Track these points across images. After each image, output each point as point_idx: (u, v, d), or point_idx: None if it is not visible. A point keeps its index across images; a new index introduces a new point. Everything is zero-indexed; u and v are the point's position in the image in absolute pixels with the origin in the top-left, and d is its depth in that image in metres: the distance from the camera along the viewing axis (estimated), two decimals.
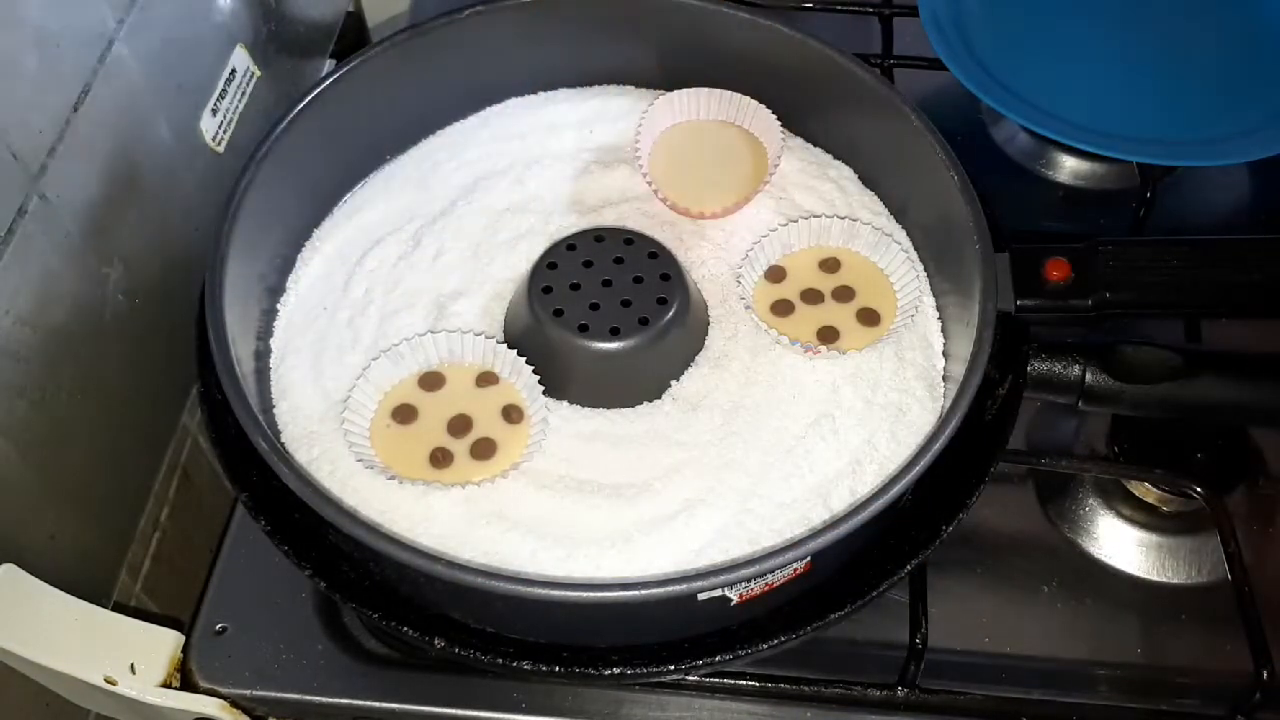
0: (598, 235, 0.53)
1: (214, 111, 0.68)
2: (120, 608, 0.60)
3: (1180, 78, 0.72)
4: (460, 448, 0.48)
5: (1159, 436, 0.60)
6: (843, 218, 0.55)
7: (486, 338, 0.50)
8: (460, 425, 0.48)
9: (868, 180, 0.59)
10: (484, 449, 0.48)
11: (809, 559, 0.44)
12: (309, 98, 0.54)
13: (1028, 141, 0.77)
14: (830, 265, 0.54)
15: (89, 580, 0.58)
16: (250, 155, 0.52)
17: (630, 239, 0.53)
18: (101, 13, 0.57)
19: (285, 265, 0.56)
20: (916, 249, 0.56)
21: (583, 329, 0.50)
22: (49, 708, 0.55)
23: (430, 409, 0.49)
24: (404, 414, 0.49)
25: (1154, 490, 0.60)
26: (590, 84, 0.63)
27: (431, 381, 0.50)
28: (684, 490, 0.48)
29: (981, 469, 0.49)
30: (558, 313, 0.50)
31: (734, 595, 0.44)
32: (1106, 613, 0.58)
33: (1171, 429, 0.60)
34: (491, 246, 0.56)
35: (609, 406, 0.50)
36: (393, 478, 0.45)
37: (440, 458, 0.47)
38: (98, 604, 0.53)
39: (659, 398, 0.51)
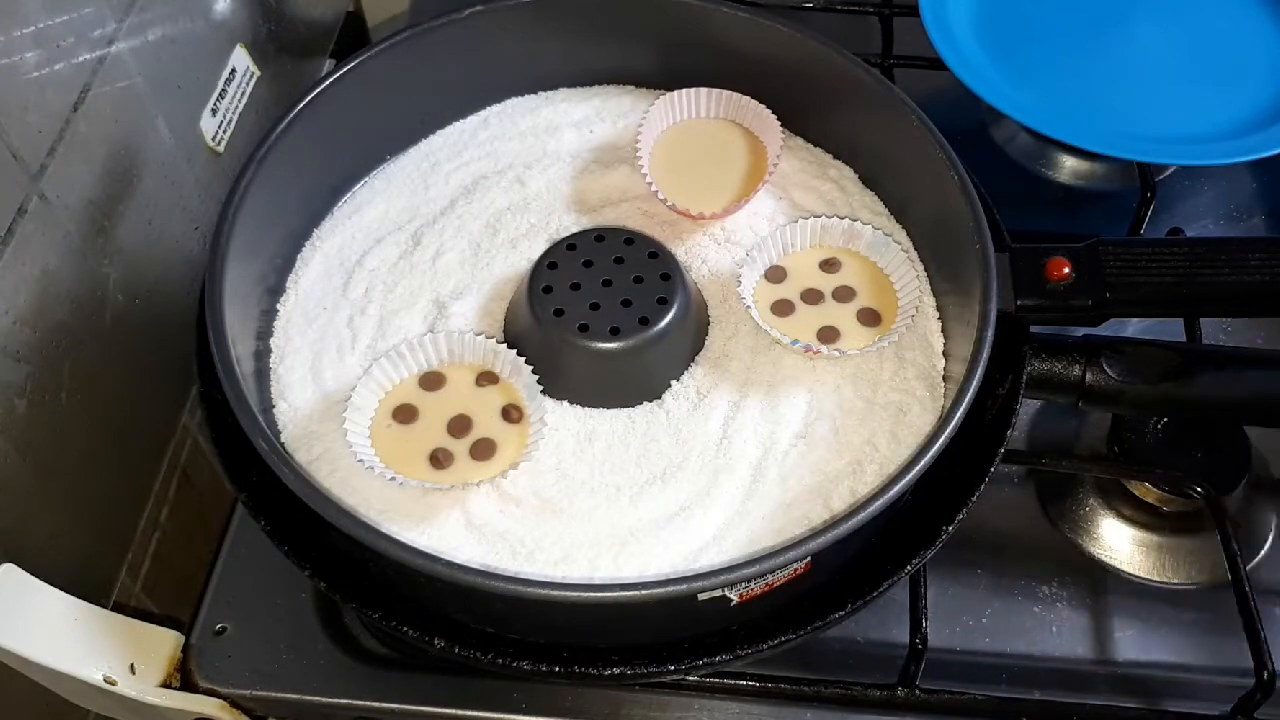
0: (598, 235, 0.53)
1: (214, 111, 0.68)
2: (120, 608, 0.60)
3: (1180, 77, 0.72)
4: (460, 448, 0.48)
5: (1159, 436, 0.60)
6: (843, 218, 0.55)
7: (486, 337, 0.50)
8: (460, 425, 0.48)
9: (868, 180, 0.59)
10: (483, 449, 0.47)
11: (809, 559, 0.44)
12: (309, 98, 0.54)
13: (1028, 141, 0.77)
14: (831, 265, 0.54)
15: (89, 580, 0.58)
16: (250, 155, 0.52)
17: (630, 239, 0.53)
18: (101, 13, 0.57)
19: (285, 265, 0.56)
20: (917, 249, 0.56)
21: (583, 329, 0.50)
22: (49, 708, 0.55)
23: (430, 409, 0.49)
24: (404, 414, 0.49)
25: (1154, 490, 0.60)
26: (590, 84, 0.63)
27: (432, 381, 0.50)
28: (684, 490, 0.48)
29: (982, 469, 0.49)
30: (558, 313, 0.50)
31: (734, 595, 0.44)
32: (1106, 613, 0.58)
33: (1171, 429, 0.60)
34: (491, 246, 0.56)
35: (609, 406, 0.50)
36: (393, 478, 0.45)
37: (440, 458, 0.47)
38: (98, 604, 0.53)
39: (659, 398, 0.51)
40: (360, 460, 0.46)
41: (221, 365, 0.46)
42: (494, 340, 0.50)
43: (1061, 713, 0.54)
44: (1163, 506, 0.60)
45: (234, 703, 0.54)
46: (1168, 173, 0.75)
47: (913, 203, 0.56)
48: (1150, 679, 0.56)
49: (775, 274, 0.54)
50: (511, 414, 0.49)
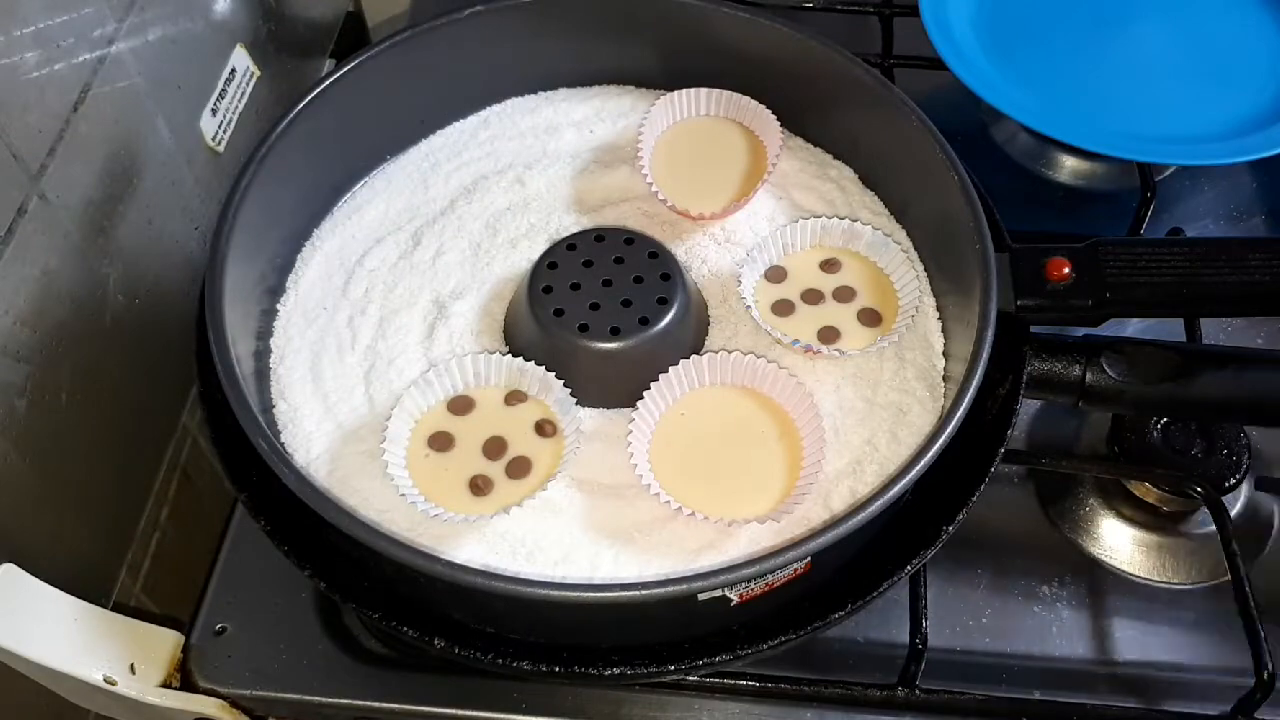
0: (598, 235, 0.53)
1: (214, 111, 0.68)
2: (120, 608, 0.60)
3: (1180, 77, 0.72)
4: (497, 470, 0.47)
5: (1159, 436, 0.60)
6: (843, 218, 0.55)
7: (510, 355, 0.50)
8: (495, 447, 0.48)
9: (868, 180, 0.58)
10: (518, 467, 0.47)
11: (809, 559, 0.44)
12: (309, 98, 0.54)
13: (1028, 141, 0.77)
14: (831, 265, 0.54)
15: (89, 580, 0.58)
16: (250, 155, 0.52)
17: (630, 239, 0.53)
18: (101, 13, 0.57)
19: (285, 265, 0.56)
20: (917, 249, 0.56)
21: (583, 329, 0.50)
22: (49, 708, 0.55)
23: (465, 433, 0.48)
24: (440, 441, 0.48)
25: (1154, 490, 0.60)
26: (590, 84, 0.63)
27: (461, 405, 0.49)
28: None
29: (982, 469, 0.49)
30: (558, 313, 0.50)
31: (734, 595, 0.44)
32: (1106, 613, 0.58)
33: (1171, 429, 0.60)
34: (491, 246, 0.56)
35: (609, 406, 0.50)
36: (437, 514, 0.45)
37: (480, 484, 0.47)
38: (98, 604, 0.53)
39: None
40: (403, 495, 0.45)
41: (221, 365, 0.46)
42: (519, 359, 0.49)
43: (1062, 713, 0.54)
44: (1163, 506, 0.60)
45: (234, 703, 0.54)
46: (1168, 173, 0.75)
47: (913, 203, 0.56)
48: (1150, 679, 0.56)
49: (775, 274, 0.54)
50: (545, 429, 0.48)
